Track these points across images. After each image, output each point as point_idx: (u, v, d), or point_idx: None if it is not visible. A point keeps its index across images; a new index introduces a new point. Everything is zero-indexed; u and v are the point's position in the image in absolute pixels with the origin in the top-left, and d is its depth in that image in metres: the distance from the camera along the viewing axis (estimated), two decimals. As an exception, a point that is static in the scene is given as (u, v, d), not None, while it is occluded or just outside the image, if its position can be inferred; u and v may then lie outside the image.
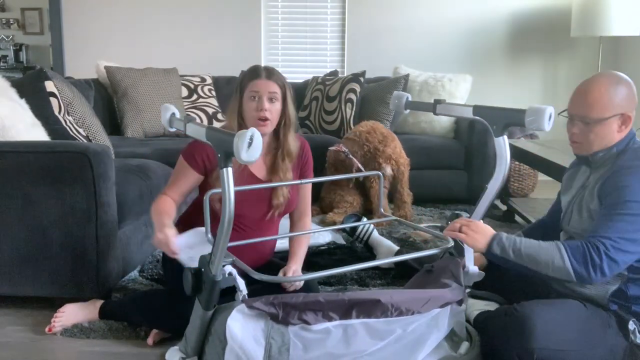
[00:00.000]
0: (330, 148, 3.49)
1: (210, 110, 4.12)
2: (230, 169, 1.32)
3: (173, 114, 1.68)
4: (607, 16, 3.99)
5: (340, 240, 2.96)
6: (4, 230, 2.12)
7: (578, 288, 1.70)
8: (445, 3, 4.68)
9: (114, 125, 4.01)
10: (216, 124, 3.98)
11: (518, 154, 3.28)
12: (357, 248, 2.85)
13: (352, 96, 3.97)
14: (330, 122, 3.99)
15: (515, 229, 2.99)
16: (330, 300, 1.45)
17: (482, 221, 1.81)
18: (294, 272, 1.93)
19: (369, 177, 3.39)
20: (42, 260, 2.14)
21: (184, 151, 1.97)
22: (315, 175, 2.25)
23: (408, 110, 1.99)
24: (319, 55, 4.85)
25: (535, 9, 4.64)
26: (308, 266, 2.47)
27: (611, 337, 1.63)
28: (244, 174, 1.99)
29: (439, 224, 3.30)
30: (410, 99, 1.97)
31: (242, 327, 1.42)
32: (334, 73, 4.42)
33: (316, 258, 2.70)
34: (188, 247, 1.72)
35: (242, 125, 1.96)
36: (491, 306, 1.88)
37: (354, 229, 2.74)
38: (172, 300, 1.94)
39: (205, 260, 1.47)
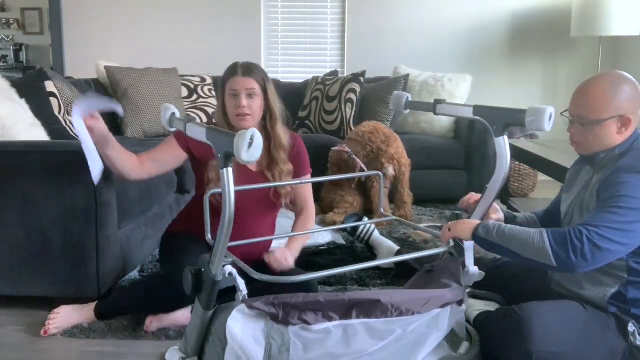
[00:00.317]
0: (333, 148, 3.49)
1: (210, 110, 4.12)
2: (230, 169, 1.32)
3: (173, 113, 1.68)
4: (607, 16, 3.99)
5: (340, 240, 2.96)
6: (4, 230, 2.12)
7: (577, 290, 1.70)
8: (445, 3, 4.68)
9: (114, 125, 4.00)
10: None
11: (518, 154, 3.27)
12: (357, 248, 2.85)
13: (352, 96, 3.97)
14: (330, 122, 3.99)
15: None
16: (330, 300, 1.45)
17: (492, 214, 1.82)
18: (284, 254, 1.99)
19: (370, 177, 3.39)
20: (42, 260, 2.13)
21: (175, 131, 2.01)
22: (317, 175, 2.26)
23: (408, 110, 1.99)
24: (319, 55, 4.84)
25: (535, 9, 4.64)
26: (308, 266, 2.47)
27: (610, 339, 1.62)
28: (239, 168, 2.03)
29: (439, 224, 3.30)
30: (410, 98, 1.97)
31: (242, 327, 1.42)
32: (334, 73, 4.42)
33: (316, 258, 2.70)
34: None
35: (228, 122, 2.05)
36: (491, 306, 1.88)
37: (355, 228, 2.74)
38: (165, 283, 1.96)
39: (205, 261, 1.47)
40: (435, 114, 1.86)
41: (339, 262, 2.65)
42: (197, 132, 1.44)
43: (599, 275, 1.64)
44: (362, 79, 4.05)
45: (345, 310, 1.47)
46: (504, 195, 3.60)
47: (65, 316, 2.07)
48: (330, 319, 1.45)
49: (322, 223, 3.28)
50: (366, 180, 3.43)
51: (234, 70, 2.05)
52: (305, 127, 4.12)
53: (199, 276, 1.49)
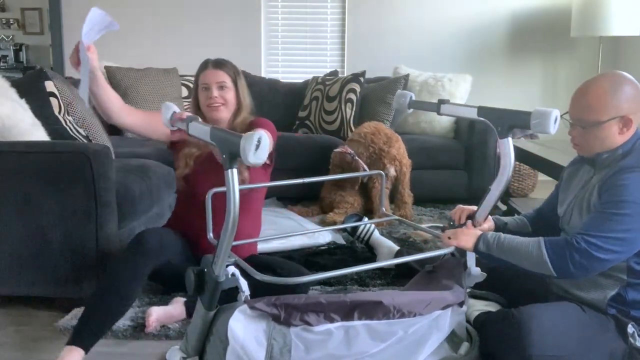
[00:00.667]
0: (335, 150, 3.49)
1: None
2: (235, 170, 1.29)
3: (174, 112, 1.67)
4: (607, 16, 3.99)
5: (340, 240, 2.96)
6: (4, 230, 2.12)
7: (577, 292, 1.69)
8: (446, 3, 4.67)
9: (114, 125, 3.99)
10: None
11: (518, 154, 3.25)
12: (357, 248, 2.85)
13: (352, 96, 3.97)
14: (330, 122, 3.99)
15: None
16: (332, 301, 1.45)
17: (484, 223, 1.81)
18: None
19: (371, 178, 3.39)
20: (42, 260, 2.13)
21: None
22: (317, 175, 2.25)
23: (411, 110, 1.98)
24: (319, 55, 4.84)
25: (535, 9, 4.64)
26: (308, 266, 2.47)
27: (610, 340, 1.62)
28: (201, 155, 2.15)
29: (440, 224, 3.30)
30: (414, 98, 1.95)
31: (244, 327, 1.42)
32: (334, 73, 4.42)
33: (316, 258, 2.70)
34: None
35: (202, 116, 2.12)
36: (491, 307, 1.88)
37: (355, 228, 2.74)
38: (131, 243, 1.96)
39: (208, 261, 1.47)
40: (439, 114, 1.84)
41: (339, 262, 2.65)
42: (201, 132, 1.40)
43: (599, 278, 1.64)
44: (362, 79, 4.05)
45: (347, 312, 1.46)
46: (504, 195, 3.60)
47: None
48: (331, 320, 1.45)
49: (322, 223, 3.28)
50: (367, 180, 3.43)
51: (205, 64, 2.17)
52: (305, 127, 4.12)
53: (201, 276, 1.49)
